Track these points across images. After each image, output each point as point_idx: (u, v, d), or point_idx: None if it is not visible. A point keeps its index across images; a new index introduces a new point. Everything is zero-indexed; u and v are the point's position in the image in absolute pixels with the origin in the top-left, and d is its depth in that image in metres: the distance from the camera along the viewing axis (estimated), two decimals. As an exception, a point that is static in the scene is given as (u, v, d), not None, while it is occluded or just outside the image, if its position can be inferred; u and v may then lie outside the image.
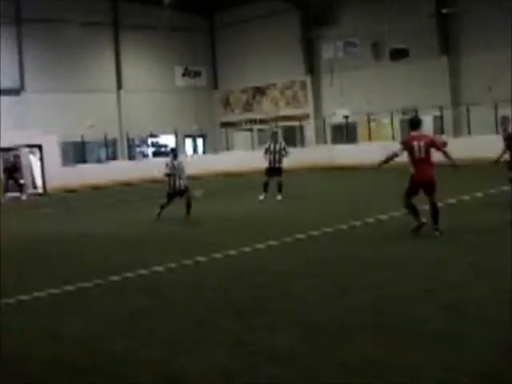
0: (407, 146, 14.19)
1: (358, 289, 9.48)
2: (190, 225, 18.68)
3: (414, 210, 14.18)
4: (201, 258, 12.76)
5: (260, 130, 54.06)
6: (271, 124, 49.78)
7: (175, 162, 19.99)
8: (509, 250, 11.30)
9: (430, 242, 13.01)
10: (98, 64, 50.80)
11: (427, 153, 14.03)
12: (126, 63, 52.20)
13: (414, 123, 14.77)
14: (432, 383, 5.91)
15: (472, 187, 21.44)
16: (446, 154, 14.30)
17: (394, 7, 45.70)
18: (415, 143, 14.06)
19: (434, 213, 13.81)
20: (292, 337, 7.41)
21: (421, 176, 14.02)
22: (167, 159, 20.52)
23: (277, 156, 23.52)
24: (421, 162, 13.99)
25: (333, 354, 6.77)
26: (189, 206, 19.77)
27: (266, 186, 23.26)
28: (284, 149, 23.81)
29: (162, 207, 19.94)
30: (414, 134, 14.42)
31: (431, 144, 14.20)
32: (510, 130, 18.60)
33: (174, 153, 20.68)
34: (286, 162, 24.51)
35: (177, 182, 19.81)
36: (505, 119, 20.18)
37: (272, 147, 23.90)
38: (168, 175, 19.89)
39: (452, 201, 18.61)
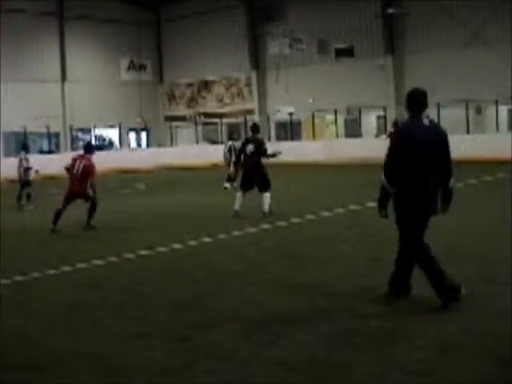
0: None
1: (296, 285, 9.54)
2: (129, 219, 18.59)
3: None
4: (142, 252, 12.74)
5: (204, 124, 54.02)
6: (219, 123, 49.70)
7: (25, 156, 22.79)
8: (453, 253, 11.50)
9: (368, 240, 13.12)
10: (43, 54, 50.26)
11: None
12: (70, 54, 51.69)
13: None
14: (368, 379, 5.98)
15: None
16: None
17: (340, 6, 46.03)
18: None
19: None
20: (230, 333, 7.43)
21: None
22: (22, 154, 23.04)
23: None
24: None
25: (271, 350, 6.80)
26: (29, 196, 22.31)
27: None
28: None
29: (19, 198, 22.39)
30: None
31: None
32: None
33: (26, 148, 23.95)
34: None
35: (28, 174, 22.50)
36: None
37: (234, 146, 25.84)
38: (26, 168, 22.53)
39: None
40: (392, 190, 8.18)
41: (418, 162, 8.09)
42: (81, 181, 16.43)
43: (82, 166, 16.47)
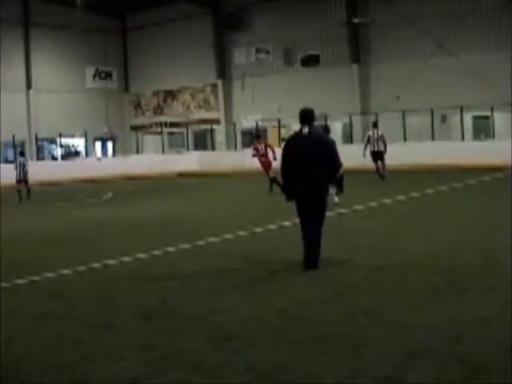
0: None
1: (264, 293, 9.51)
2: (96, 228, 18.48)
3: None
4: (109, 262, 12.64)
5: (170, 133, 53.92)
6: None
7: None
8: (405, 257, 11.54)
9: (335, 244, 13.08)
10: (7, 62, 49.86)
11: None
12: (36, 62, 51.38)
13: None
14: (337, 387, 5.97)
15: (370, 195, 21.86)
16: None
17: (306, 15, 46.21)
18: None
19: None
20: (200, 341, 7.39)
21: None
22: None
23: None
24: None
25: (240, 357, 6.77)
26: None
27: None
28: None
29: None
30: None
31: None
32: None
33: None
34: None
35: None
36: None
37: None
38: None
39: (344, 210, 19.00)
40: (284, 185, 11.32)
41: (298, 162, 10.78)
42: (266, 156, 25.57)
43: (263, 146, 26.13)
